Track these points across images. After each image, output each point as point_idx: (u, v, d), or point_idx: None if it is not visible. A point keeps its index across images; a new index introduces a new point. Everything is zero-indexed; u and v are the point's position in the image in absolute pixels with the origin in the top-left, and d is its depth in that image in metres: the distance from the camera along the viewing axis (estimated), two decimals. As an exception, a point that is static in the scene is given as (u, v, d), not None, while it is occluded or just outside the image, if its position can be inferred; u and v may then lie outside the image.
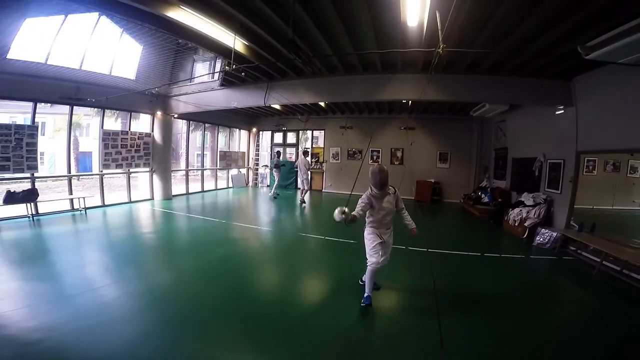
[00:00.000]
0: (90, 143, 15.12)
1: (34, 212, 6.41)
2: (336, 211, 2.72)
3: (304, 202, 9.35)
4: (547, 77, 5.46)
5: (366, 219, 3.02)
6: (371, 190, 2.90)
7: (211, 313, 2.92)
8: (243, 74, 5.50)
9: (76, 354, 2.23)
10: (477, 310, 3.15)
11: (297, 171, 10.46)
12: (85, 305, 2.92)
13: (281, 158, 11.04)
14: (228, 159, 12.29)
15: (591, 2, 3.15)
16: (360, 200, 2.92)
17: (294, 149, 13.20)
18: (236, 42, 4.86)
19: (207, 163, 13.18)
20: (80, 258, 4.40)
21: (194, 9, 4.06)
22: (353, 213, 2.80)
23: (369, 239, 3.04)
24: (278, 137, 13.50)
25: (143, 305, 3.03)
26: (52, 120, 15.95)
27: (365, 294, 3.08)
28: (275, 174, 10.07)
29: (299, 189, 10.52)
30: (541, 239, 5.57)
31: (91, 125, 17.18)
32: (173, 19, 4.26)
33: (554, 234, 5.42)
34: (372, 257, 2.99)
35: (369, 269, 3.01)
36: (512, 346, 2.57)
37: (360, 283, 3.51)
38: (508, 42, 4.22)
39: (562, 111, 5.82)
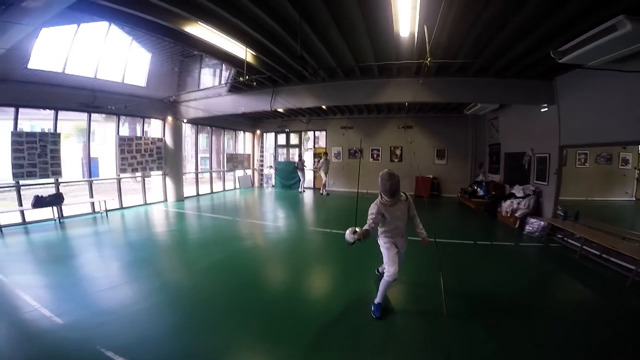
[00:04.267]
0: (97, 149, 15.52)
1: (59, 215, 6.85)
2: (347, 232, 2.58)
3: (327, 194, 11.41)
4: (530, 77, 5.88)
5: (378, 228, 2.89)
6: (381, 197, 2.72)
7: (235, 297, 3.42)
8: (255, 83, 5.98)
9: (131, 332, 2.64)
10: (473, 290, 3.63)
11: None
12: (133, 292, 3.43)
13: (303, 160, 12.57)
14: (234, 161, 12.79)
15: (560, 11, 3.52)
16: (370, 211, 2.74)
17: (297, 149, 13.67)
18: (246, 53, 5.34)
19: (213, 165, 13.64)
20: (117, 255, 4.73)
21: (210, 25, 4.52)
22: (365, 228, 2.65)
23: (386, 247, 2.88)
24: (281, 139, 13.96)
25: (182, 293, 3.46)
26: (59, 127, 16.33)
27: (376, 301, 2.95)
28: (300, 174, 11.94)
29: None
30: (531, 228, 5.98)
31: (97, 132, 17.58)
32: (191, 33, 4.75)
33: (542, 223, 5.83)
34: (391, 267, 2.81)
35: (386, 279, 2.83)
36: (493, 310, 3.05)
37: (377, 273, 3.71)
38: (491, 49, 4.66)
39: (546, 109, 6.23)
